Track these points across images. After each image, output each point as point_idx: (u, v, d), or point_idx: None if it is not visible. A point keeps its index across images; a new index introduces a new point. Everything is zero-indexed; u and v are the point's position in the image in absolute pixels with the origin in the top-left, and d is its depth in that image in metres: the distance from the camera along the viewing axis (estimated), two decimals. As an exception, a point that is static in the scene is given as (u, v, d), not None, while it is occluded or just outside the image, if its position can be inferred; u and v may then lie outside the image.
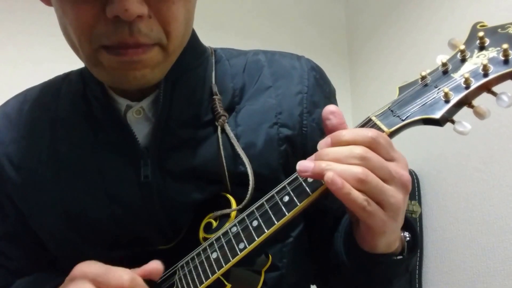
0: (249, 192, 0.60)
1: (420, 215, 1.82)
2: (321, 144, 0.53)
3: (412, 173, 1.86)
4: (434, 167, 1.81)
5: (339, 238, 0.66)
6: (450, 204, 1.70)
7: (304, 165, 0.51)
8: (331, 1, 2.53)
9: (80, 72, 0.73)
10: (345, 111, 0.74)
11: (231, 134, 0.64)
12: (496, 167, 1.53)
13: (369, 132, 0.50)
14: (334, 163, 0.50)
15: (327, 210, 0.70)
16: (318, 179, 0.52)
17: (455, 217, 1.67)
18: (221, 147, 0.63)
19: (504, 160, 1.51)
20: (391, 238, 0.56)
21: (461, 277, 1.62)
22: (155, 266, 0.57)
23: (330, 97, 0.72)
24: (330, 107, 0.55)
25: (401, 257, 0.59)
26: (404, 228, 0.59)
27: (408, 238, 0.60)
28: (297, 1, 2.46)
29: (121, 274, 0.53)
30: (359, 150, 0.49)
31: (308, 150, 0.65)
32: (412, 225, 0.62)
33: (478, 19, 0.56)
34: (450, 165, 1.72)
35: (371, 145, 0.50)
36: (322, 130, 0.60)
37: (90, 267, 0.55)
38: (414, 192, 1.82)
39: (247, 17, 2.32)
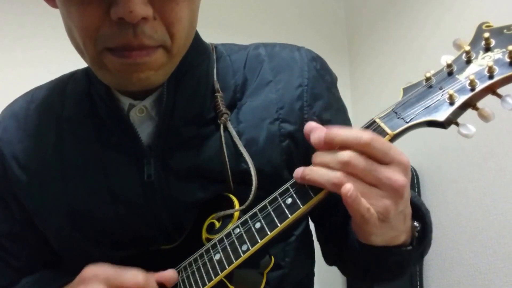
0: (252, 192, 0.60)
1: (420, 211, 1.81)
2: (314, 139, 0.53)
3: (412, 170, 1.85)
4: (434, 163, 1.80)
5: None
6: (450, 201, 1.70)
7: (296, 171, 0.54)
8: (331, -2, 2.51)
9: (85, 71, 0.73)
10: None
11: (233, 132, 0.63)
12: (497, 163, 1.53)
13: (363, 135, 0.50)
14: (315, 168, 0.52)
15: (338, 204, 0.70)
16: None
17: (455, 214, 1.67)
18: (224, 146, 0.63)
19: (504, 156, 1.51)
20: (385, 237, 0.55)
21: (461, 274, 1.62)
22: (171, 274, 0.59)
23: (331, 86, 0.72)
24: (309, 125, 0.55)
25: (409, 247, 0.59)
26: (416, 217, 0.60)
27: (418, 228, 0.61)
28: (296, -2, 2.44)
29: (136, 273, 0.56)
30: (342, 156, 0.50)
31: (311, 145, 0.65)
32: (423, 215, 0.62)
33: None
34: (450, 161, 1.72)
35: (364, 148, 0.50)
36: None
37: (100, 269, 0.56)
38: (414, 189, 1.82)
39: (245, 14, 2.30)
